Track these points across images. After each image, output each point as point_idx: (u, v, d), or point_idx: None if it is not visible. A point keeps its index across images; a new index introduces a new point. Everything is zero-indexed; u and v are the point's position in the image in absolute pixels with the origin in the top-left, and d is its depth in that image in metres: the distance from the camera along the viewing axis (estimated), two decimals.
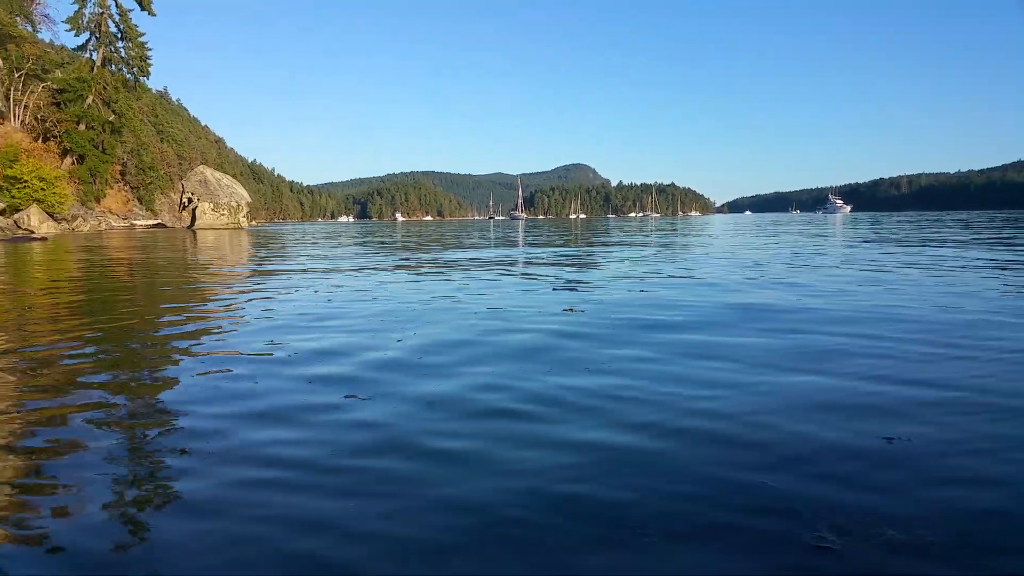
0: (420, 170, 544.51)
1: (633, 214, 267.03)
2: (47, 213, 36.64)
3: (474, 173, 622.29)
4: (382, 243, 19.90)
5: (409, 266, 10.38)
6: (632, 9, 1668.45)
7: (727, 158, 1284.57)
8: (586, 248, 15.58)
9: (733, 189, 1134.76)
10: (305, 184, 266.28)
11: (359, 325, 4.60)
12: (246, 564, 1.52)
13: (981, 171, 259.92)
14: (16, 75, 46.24)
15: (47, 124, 49.82)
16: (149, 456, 2.17)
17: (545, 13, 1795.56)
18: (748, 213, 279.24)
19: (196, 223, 47.06)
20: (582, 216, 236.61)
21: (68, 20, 52.21)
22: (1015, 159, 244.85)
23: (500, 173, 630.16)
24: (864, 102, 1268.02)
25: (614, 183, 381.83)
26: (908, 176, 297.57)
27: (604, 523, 1.68)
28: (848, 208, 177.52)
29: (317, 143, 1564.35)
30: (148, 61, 56.49)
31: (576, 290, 6.59)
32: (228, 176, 54.16)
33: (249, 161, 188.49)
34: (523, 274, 8.64)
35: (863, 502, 1.76)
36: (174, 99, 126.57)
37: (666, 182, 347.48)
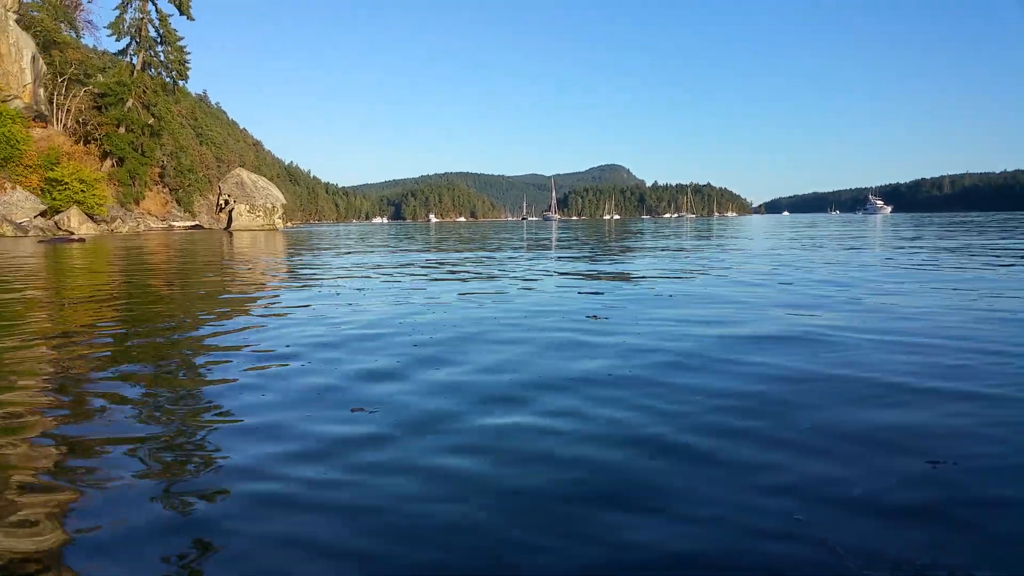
0: (454, 171, 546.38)
1: (668, 215, 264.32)
2: (86, 215, 37.22)
3: (508, 174, 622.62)
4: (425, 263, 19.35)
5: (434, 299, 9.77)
6: (669, 8, 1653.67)
7: (764, 158, 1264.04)
8: (616, 264, 14.77)
9: (771, 189, 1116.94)
10: (340, 186, 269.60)
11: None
12: None
13: None
14: (60, 80, 47.17)
15: (88, 127, 50.80)
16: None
17: (582, 13, 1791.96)
18: (786, 214, 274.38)
19: (232, 224, 47.41)
20: (616, 217, 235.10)
21: (110, 25, 53.29)
22: None
23: (534, 174, 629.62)
24: (906, 101, 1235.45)
25: (648, 183, 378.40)
26: (951, 176, 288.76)
27: None
28: (888, 209, 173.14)
29: (353, 145, 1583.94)
30: (187, 65, 57.37)
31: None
32: (263, 178, 54.53)
33: (286, 163, 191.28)
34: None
35: None
36: (213, 102, 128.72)
37: (702, 182, 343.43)
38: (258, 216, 48.18)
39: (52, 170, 37.57)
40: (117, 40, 54.23)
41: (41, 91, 44.49)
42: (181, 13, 55.26)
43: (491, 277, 8.19)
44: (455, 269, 9.66)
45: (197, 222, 59.28)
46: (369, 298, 6.09)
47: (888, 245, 14.25)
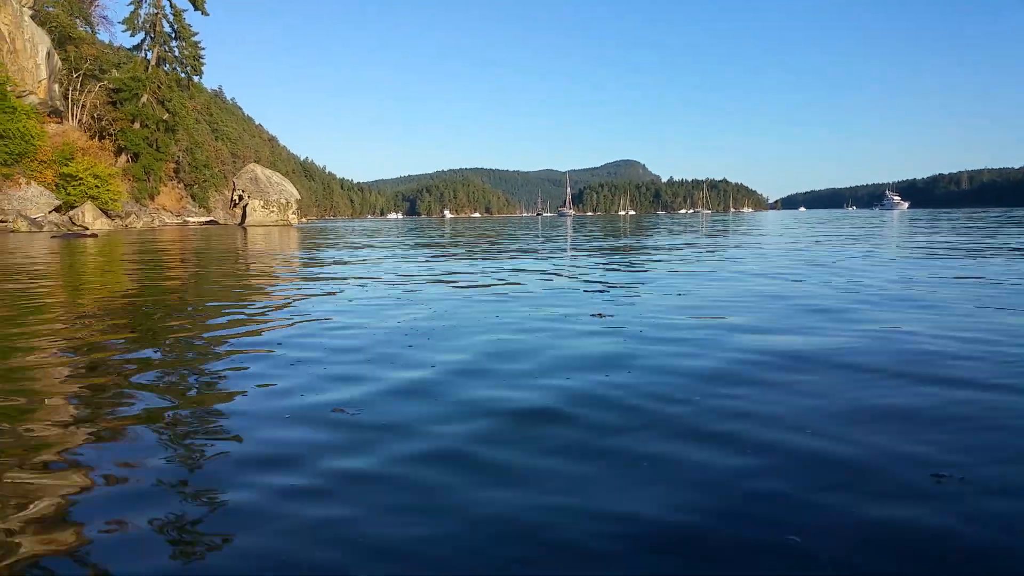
0: (469, 167, 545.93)
1: (683, 211, 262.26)
2: (101, 210, 37.10)
3: (523, 170, 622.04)
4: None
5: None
6: (677, 5, 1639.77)
7: (781, 153, 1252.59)
8: (626, 269, 14.14)
9: (787, 185, 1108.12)
10: (355, 181, 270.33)
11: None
12: None
13: None
14: (75, 75, 47.16)
15: (103, 123, 50.84)
16: None
17: (591, 11, 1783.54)
18: (802, 209, 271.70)
19: (247, 220, 47.22)
20: (631, 213, 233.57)
21: (124, 21, 53.41)
22: None
23: (549, 170, 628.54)
24: (923, 96, 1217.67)
25: (664, 179, 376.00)
26: (969, 172, 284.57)
27: None
28: (905, 205, 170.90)
29: (364, 142, 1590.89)
30: (201, 60, 57.30)
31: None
32: (278, 174, 54.31)
33: (301, 159, 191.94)
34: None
35: None
36: (228, 98, 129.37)
37: (718, 178, 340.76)
38: (272, 211, 47.94)
39: (67, 165, 37.49)
40: (132, 35, 54.37)
41: (56, 87, 44.46)
42: (196, 8, 55.23)
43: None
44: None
45: (212, 217, 59.23)
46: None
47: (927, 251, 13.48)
